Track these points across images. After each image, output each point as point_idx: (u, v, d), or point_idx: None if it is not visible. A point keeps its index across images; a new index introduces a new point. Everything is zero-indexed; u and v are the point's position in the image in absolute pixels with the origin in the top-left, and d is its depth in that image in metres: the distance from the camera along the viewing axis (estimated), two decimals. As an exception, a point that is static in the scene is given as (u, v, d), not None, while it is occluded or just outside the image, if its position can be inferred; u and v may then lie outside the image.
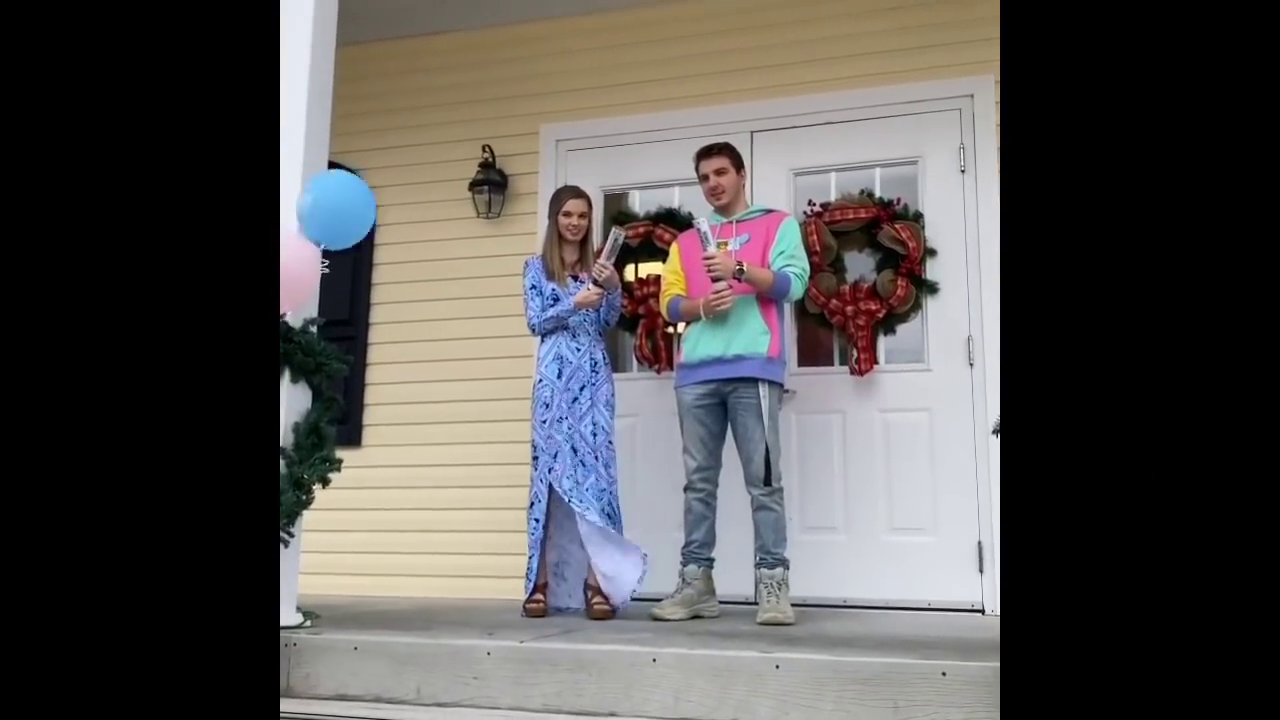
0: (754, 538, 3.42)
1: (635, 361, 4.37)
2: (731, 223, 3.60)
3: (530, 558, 3.57)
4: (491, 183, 4.57)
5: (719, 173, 3.59)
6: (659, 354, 4.25)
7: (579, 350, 3.58)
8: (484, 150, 4.62)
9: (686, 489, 3.52)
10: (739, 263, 3.37)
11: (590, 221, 3.77)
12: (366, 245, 4.85)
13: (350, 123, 4.69)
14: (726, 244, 3.52)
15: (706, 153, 3.64)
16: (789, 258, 3.47)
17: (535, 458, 3.58)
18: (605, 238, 3.71)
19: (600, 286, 3.54)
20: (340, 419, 4.48)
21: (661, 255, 4.27)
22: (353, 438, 4.63)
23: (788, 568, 3.41)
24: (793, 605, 3.40)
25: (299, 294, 2.96)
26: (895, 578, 3.91)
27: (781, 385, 3.50)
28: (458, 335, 4.58)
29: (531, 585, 3.54)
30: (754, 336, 3.42)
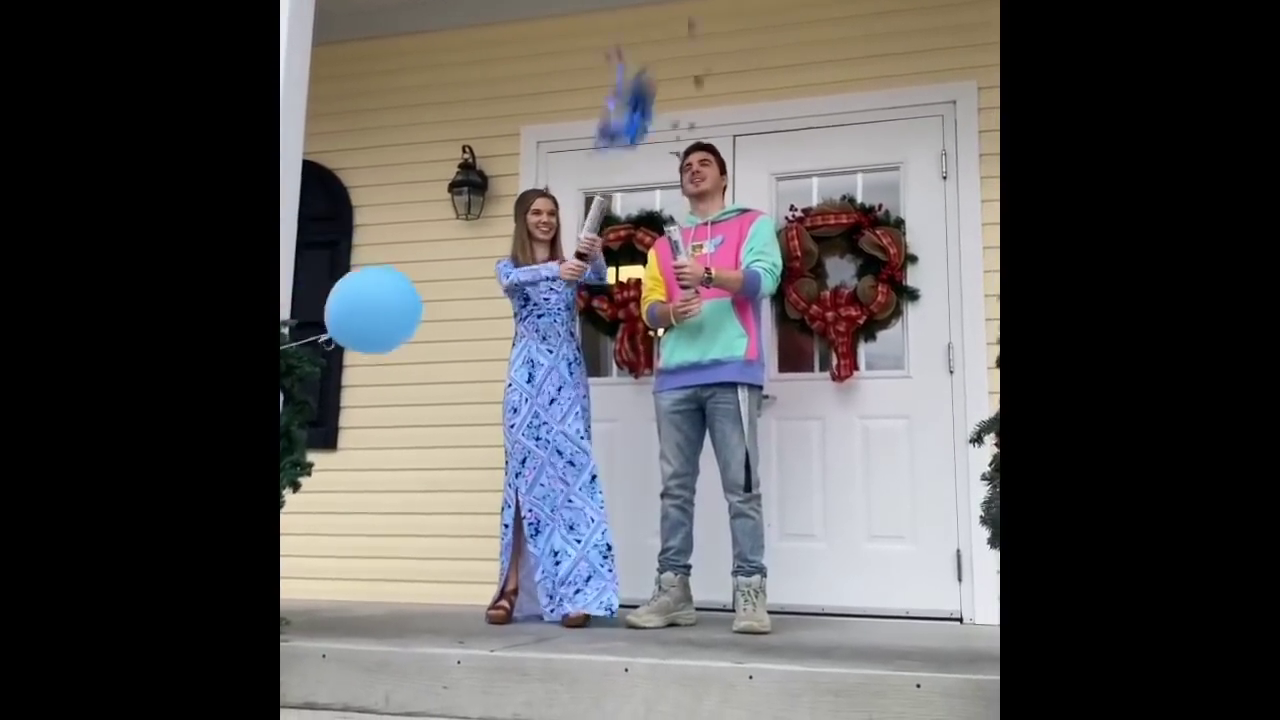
0: (731, 545, 3.39)
1: (615, 366, 4.33)
2: (707, 224, 3.59)
3: (502, 561, 3.53)
4: (471, 184, 4.53)
5: (703, 163, 3.62)
6: (639, 358, 4.21)
7: (551, 353, 3.54)
8: (464, 151, 4.58)
9: (663, 495, 3.48)
10: (707, 270, 3.34)
11: (558, 220, 3.75)
12: (344, 245, 4.81)
13: (328, 122, 4.64)
14: (702, 246, 3.52)
15: (695, 147, 3.69)
16: (758, 254, 3.45)
17: (506, 461, 3.55)
18: (587, 211, 3.64)
19: (583, 258, 3.49)
20: (313, 421, 4.45)
21: (642, 259, 4.23)
22: (329, 441, 4.58)
23: (765, 575, 3.38)
24: (771, 613, 3.37)
25: None
26: (874, 585, 3.89)
27: (760, 388, 3.47)
28: (435, 338, 4.52)
29: (499, 591, 3.50)
30: (731, 340, 3.40)
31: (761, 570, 3.36)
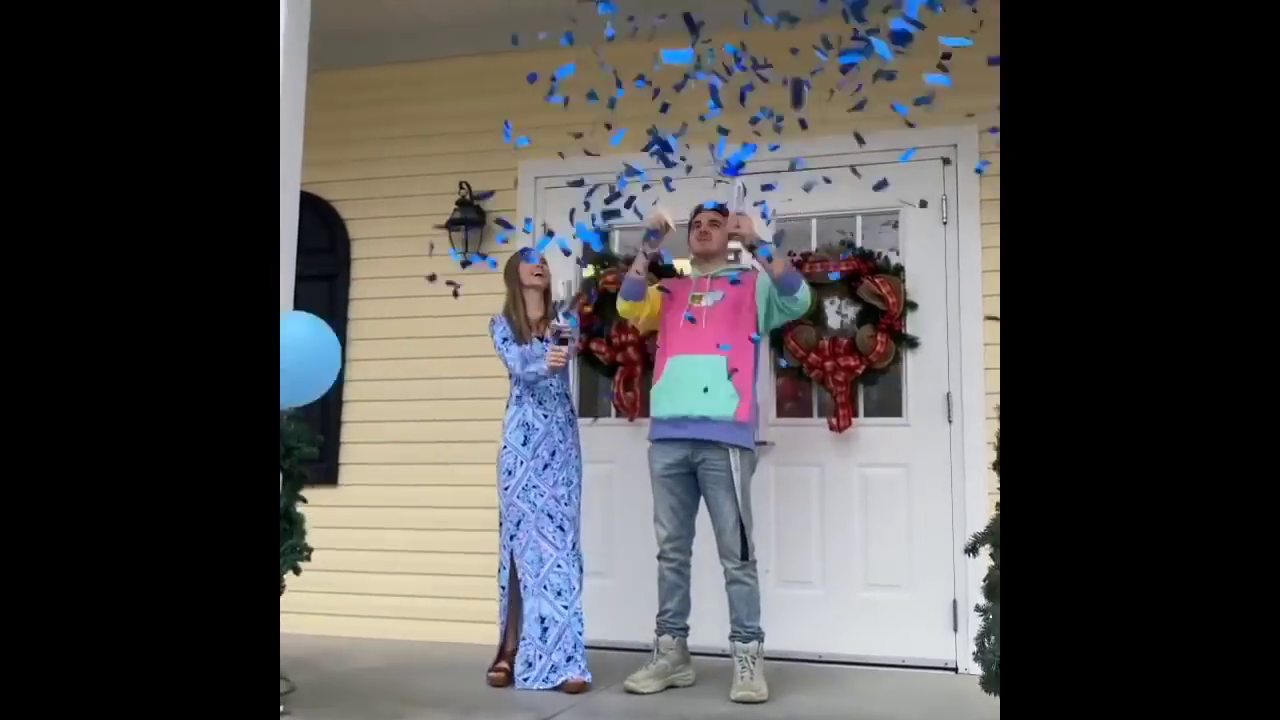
0: (729, 609, 3.42)
1: (614, 409, 4.34)
2: (707, 278, 3.58)
3: (501, 621, 3.57)
4: (468, 221, 4.50)
5: (713, 223, 3.61)
6: (636, 402, 4.22)
7: (545, 417, 3.55)
8: (461, 188, 4.54)
9: (659, 558, 3.51)
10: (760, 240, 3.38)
11: (549, 273, 3.78)
12: (342, 278, 4.80)
13: (323, 151, 4.59)
14: (701, 298, 3.52)
15: (707, 206, 3.68)
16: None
17: (501, 522, 3.57)
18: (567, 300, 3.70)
19: (563, 343, 3.50)
20: (316, 458, 4.47)
21: (640, 302, 4.23)
22: (329, 476, 4.61)
23: (762, 640, 3.41)
24: (769, 659, 3.43)
25: None
26: (870, 633, 3.94)
27: (753, 451, 3.48)
28: (435, 375, 4.55)
29: (498, 652, 3.54)
30: (722, 400, 3.39)
31: (759, 635, 3.40)
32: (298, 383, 2.83)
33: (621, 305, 3.65)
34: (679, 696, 3.35)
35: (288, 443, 3.07)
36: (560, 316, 3.51)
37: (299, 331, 2.89)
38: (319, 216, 4.79)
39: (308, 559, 3.05)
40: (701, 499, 3.49)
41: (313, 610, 4.40)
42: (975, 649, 2.36)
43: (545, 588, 3.44)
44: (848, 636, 3.96)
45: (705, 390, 3.39)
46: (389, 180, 4.76)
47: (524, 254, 3.72)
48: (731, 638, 3.41)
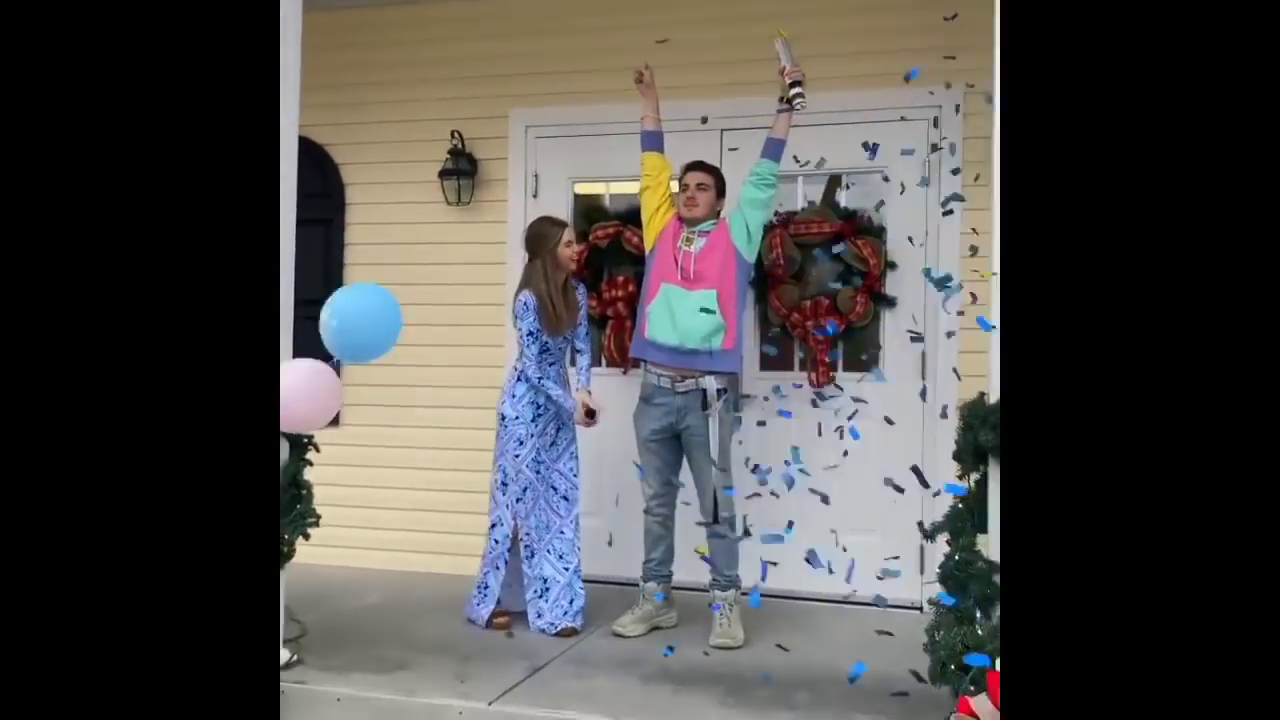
0: (709, 560, 3.67)
1: (604, 360, 4.50)
2: (695, 232, 3.68)
3: (485, 573, 3.81)
4: (461, 171, 4.57)
5: (700, 186, 3.68)
6: (625, 355, 4.38)
7: (556, 404, 3.75)
8: (453, 136, 4.60)
9: (646, 512, 3.75)
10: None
11: None
12: (336, 223, 4.89)
13: (315, 95, 4.61)
14: (692, 240, 3.64)
15: (695, 166, 3.74)
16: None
17: (504, 484, 3.78)
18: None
19: (592, 416, 3.72)
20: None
21: (629, 258, 4.36)
22: (334, 418, 4.79)
23: (740, 587, 3.68)
24: (746, 593, 3.69)
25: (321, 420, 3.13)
26: (841, 575, 4.19)
27: (736, 375, 3.69)
28: (431, 321, 4.68)
29: (494, 602, 3.78)
30: (713, 325, 3.53)
31: (736, 583, 3.67)
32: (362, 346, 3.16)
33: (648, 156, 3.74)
34: (663, 639, 3.63)
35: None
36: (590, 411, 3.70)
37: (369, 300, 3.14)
38: (313, 160, 4.84)
39: (316, 524, 3.26)
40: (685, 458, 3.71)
41: (321, 543, 4.65)
42: (926, 640, 2.58)
43: (549, 551, 3.70)
44: (821, 576, 4.22)
45: (702, 311, 3.51)
46: (379, 125, 4.81)
47: (559, 225, 3.77)
48: (711, 585, 3.68)
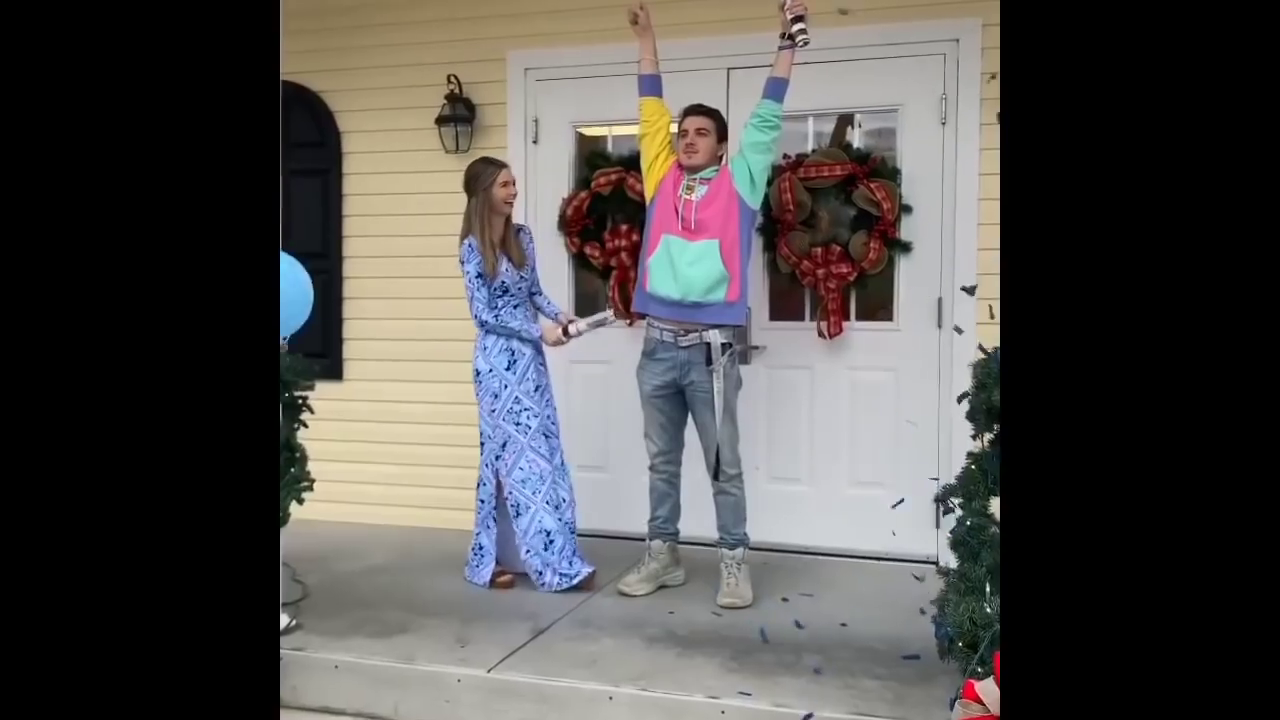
0: (715, 516, 3.58)
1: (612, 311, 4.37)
2: (696, 179, 3.52)
3: (478, 534, 3.73)
4: (458, 118, 4.41)
5: (699, 131, 3.51)
6: (630, 305, 4.25)
7: (527, 341, 3.64)
8: (450, 81, 4.43)
9: (650, 469, 3.65)
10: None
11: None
12: (334, 174, 4.75)
13: (306, 40, 4.46)
14: (693, 188, 3.48)
15: (694, 110, 3.56)
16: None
17: (482, 443, 3.69)
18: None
19: (569, 337, 3.61)
20: (319, 353, 4.58)
21: (632, 205, 4.20)
22: (334, 372, 4.72)
23: (748, 545, 3.59)
24: (755, 549, 3.67)
25: None
26: (855, 528, 4.11)
27: (741, 328, 3.58)
28: (430, 273, 4.55)
29: (493, 562, 3.71)
30: (713, 285, 3.40)
31: (744, 541, 3.57)
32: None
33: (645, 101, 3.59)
34: (669, 598, 3.56)
35: (285, 376, 3.15)
36: (583, 325, 3.59)
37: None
38: (307, 109, 4.70)
39: (310, 489, 3.19)
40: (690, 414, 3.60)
41: (322, 499, 4.59)
42: (935, 616, 2.47)
43: (547, 502, 3.60)
44: (834, 531, 4.14)
45: (698, 273, 3.38)
46: (375, 70, 4.64)
47: (496, 165, 3.66)
48: (719, 543, 3.59)
